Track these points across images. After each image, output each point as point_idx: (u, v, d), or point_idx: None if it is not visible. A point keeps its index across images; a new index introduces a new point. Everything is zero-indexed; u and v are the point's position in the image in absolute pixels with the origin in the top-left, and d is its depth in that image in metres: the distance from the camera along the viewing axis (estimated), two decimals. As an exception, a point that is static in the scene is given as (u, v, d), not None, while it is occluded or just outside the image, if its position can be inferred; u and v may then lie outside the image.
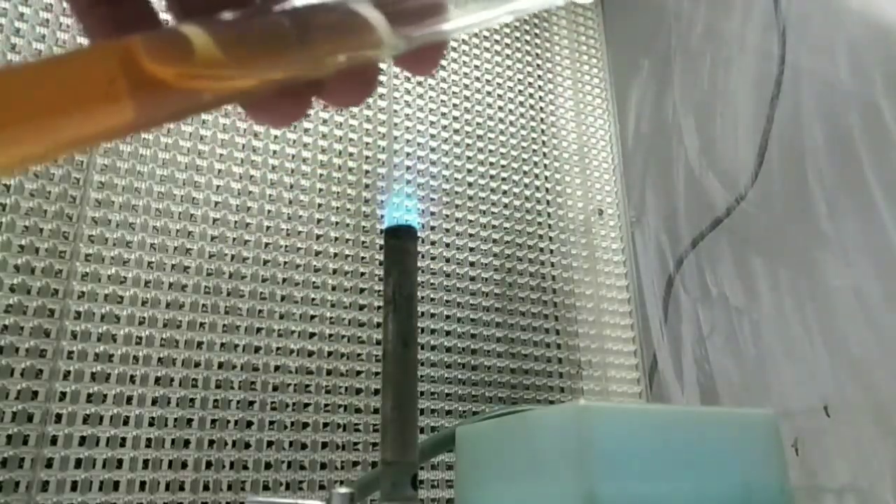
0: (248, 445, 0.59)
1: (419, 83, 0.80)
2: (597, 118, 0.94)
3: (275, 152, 0.70)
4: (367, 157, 0.74)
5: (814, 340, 0.61)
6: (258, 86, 0.15)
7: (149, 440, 0.56)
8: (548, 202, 0.85)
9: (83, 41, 0.64)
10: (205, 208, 0.64)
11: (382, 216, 0.69)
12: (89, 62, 0.14)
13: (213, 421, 0.59)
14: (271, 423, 0.61)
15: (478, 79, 0.85)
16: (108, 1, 0.17)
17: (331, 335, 0.66)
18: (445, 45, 0.19)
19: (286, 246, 0.67)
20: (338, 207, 0.71)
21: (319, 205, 0.70)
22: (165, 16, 0.17)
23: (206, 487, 0.57)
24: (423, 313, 0.71)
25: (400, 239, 0.42)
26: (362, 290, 0.69)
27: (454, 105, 0.82)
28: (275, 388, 0.62)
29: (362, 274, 0.70)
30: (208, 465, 0.57)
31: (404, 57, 0.18)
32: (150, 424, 0.56)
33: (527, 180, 0.84)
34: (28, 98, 0.13)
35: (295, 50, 0.16)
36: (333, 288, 0.68)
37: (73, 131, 0.13)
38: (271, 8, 0.16)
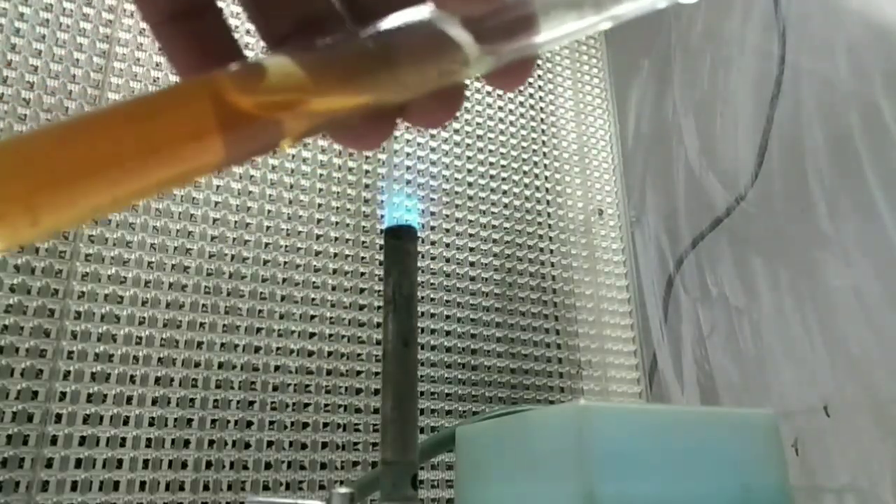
0: (248, 445, 0.59)
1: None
2: (597, 118, 0.94)
3: (274, 152, 0.70)
4: (367, 157, 0.74)
5: (814, 340, 0.61)
6: (346, 113, 0.15)
7: (149, 440, 0.56)
8: (548, 202, 0.85)
9: (83, 41, 0.64)
10: (205, 208, 0.64)
11: (382, 216, 0.69)
12: (178, 101, 0.14)
13: (213, 421, 0.59)
14: (271, 423, 0.61)
15: (478, 78, 0.85)
16: (185, 16, 0.17)
17: (331, 335, 0.66)
18: (535, 59, 0.18)
19: (286, 246, 0.67)
20: (338, 207, 0.71)
21: (319, 205, 0.70)
22: (247, 38, 0.17)
23: (206, 487, 0.57)
24: (423, 313, 0.71)
25: (400, 239, 0.42)
26: (362, 290, 0.69)
27: (454, 105, 0.82)
28: (275, 388, 0.62)
29: (362, 274, 0.70)
30: (208, 465, 0.57)
31: (491, 72, 0.17)
32: (150, 424, 0.56)
33: (527, 180, 0.84)
34: (118, 143, 0.13)
35: (382, 76, 0.15)
36: (333, 288, 0.68)
37: (164, 172, 0.13)
38: (357, 32, 0.15)
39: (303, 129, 0.15)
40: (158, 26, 0.17)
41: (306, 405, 0.63)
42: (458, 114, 0.18)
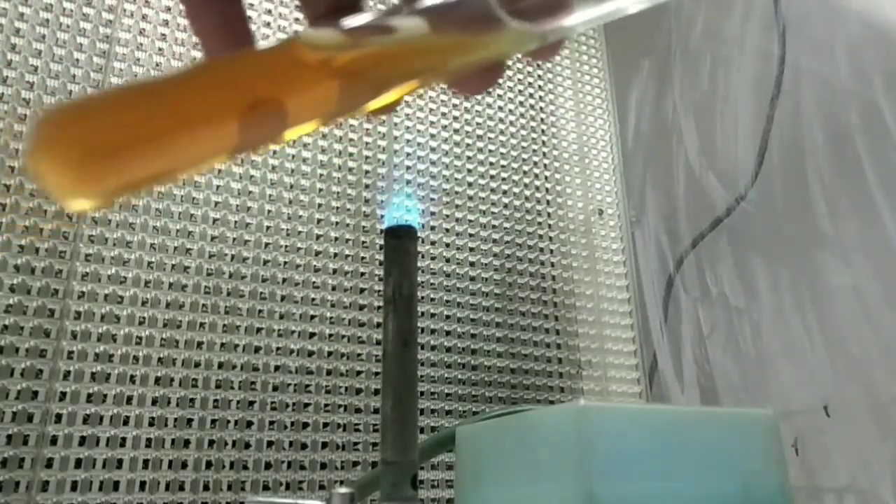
0: (248, 445, 0.59)
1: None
2: (597, 118, 0.94)
3: (275, 152, 0.70)
4: (367, 157, 0.74)
5: (814, 340, 0.61)
6: (397, 84, 0.16)
7: (149, 440, 0.56)
8: (548, 202, 0.85)
9: (83, 41, 0.64)
10: (205, 208, 0.64)
11: (382, 216, 0.69)
12: (276, 60, 0.15)
13: (213, 421, 0.59)
14: (271, 423, 0.61)
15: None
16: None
17: (331, 335, 0.66)
18: (567, 37, 0.19)
19: (286, 246, 0.67)
20: (338, 207, 0.71)
21: (319, 205, 0.70)
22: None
23: (206, 487, 0.57)
24: (423, 313, 0.71)
25: (400, 239, 0.42)
26: (362, 290, 0.69)
27: (454, 105, 0.82)
28: (275, 388, 0.62)
29: (362, 274, 0.70)
30: (208, 465, 0.57)
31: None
32: (150, 424, 0.56)
33: (527, 180, 0.84)
34: (213, 100, 0.13)
35: (429, 50, 0.16)
36: (333, 288, 0.68)
37: (274, 124, 0.14)
38: (403, 7, 0.16)
39: (353, 101, 0.15)
40: (192, 5, 0.18)
41: (306, 405, 0.63)
42: (499, 81, 0.19)
